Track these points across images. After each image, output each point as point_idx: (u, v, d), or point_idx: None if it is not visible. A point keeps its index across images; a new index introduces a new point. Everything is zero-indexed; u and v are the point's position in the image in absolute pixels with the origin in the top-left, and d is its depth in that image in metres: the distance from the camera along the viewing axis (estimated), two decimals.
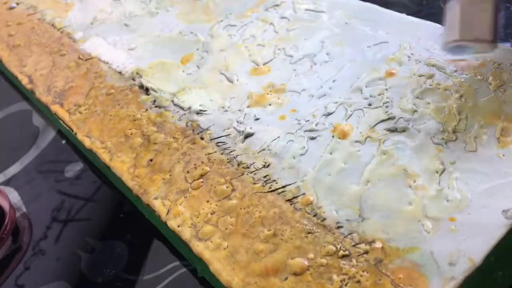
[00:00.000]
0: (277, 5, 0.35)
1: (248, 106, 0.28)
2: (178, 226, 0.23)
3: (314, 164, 0.24)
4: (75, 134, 0.31)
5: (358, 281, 0.19)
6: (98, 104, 0.32)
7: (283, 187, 0.23)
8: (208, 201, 0.24)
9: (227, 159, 0.26)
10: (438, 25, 0.28)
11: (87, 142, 0.30)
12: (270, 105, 0.28)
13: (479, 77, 0.24)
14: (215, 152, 0.26)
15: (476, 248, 0.18)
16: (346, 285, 0.19)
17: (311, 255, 0.20)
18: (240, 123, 0.27)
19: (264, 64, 0.31)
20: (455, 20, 0.21)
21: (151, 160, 0.27)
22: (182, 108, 0.30)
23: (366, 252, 0.20)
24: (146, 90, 0.32)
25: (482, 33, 0.20)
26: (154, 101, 0.31)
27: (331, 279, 0.19)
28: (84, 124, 0.31)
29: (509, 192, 0.19)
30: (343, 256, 0.20)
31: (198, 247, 0.22)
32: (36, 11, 0.46)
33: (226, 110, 0.28)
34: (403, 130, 0.24)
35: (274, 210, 0.22)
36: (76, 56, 0.38)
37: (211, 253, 0.22)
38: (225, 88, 0.30)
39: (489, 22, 0.20)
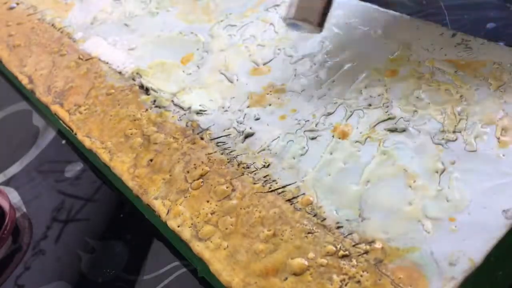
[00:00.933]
0: (277, 5, 0.35)
1: (248, 106, 0.28)
2: (178, 226, 0.23)
3: (314, 164, 0.24)
4: (75, 134, 0.31)
5: (358, 281, 0.19)
6: (98, 104, 0.32)
7: (283, 187, 0.23)
8: (208, 201, 0.24)
9: (227, 159, 0.26)
10: (438, 25, 0.28)
11: (87, 142, 0.30)
12: (270, 105, 0.28)
13: (479, 77, 0.24)
14: (215, 152, 0.26)
15: (476, 248, 0.18)
16: (346, 285, 0.19)
17: (311, 255, 0.20)
18: (240, 123, 0.27)
19: (264, 64, 0.31)
20: (294, 0, 0.25)
21: (151, 160, 0.27)
22: (182, 108, 0.30)
23: (366, 252, 0.20)
24: (146, 90, 0.32)
25: (311, 16, 0.25)
26: (154, 101, 0.31)
27: (331, 279, 0.19)
28: (84, 124, 0.31)
29: (509, 192, 0.19)
30: (343, 256, 0.20)
31: (198, 247, 0.22)
32: (36, 11, 0.46)
33: (226, 110, 0.28)
34: (403, 130, 0.24)
35: (274, 210, 0.22)
36: (76, 56, 0.38)
37: (211, 253, 0.22)
38: (225, 88, 0.30)
39: (319, 8, 0.24)
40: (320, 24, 0.25)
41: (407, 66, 0.27)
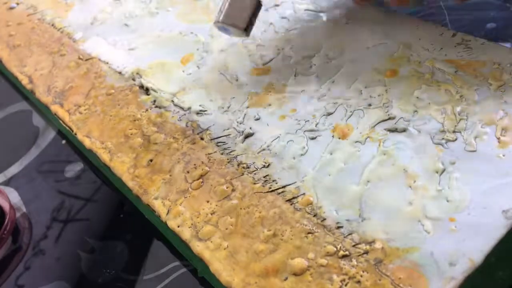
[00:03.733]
0: (277, 5, 0.35)
1: (248, 106, 0.28)
2: (178, 226, 0.23)
3: (314, 164, 0.24)
4: (75, 134, 0.31)
5: (358, 281, 0.19)
6: (98, 104, 0.32)
7: (283, 187, 0.23)
8: (208, 201, 0.24)
9: (227, 159, 0.26)
10: (438, 25, 0.28)
11: (87, 142, 0.30)
12: (270, 105, 0.28)
13: (479, 77, 0.24)
14: (215, 152, 0.26)
15: (476, 248, 0.18)
16: (346, 285, 0.19)
17: (311, 255, 0.20)
18: (240, 123, 0.27)
19: (264, 64, 0.31)
20: (224, 5, 0.26)
21: (151, 160, 0.27)
22: (182, 108, 0.30)
23: (366, 252, 0.20)
24: (146, 90, 0.32)
25: (238, 21, 0.26)
26: (154, 101, 0.31)
27: (331, 279, 0.19)
28: (84, 124, 0.31)
29: (509, 192, 0.19)
30: (343, 256, 0.20)
31: (198, 247, 0.22)
32: (36, 11, 0.46)
33: (226, 110, 0.28)
34: (403, 130, 0.24)
35: (274, 210, 0.22)
36: (76, 56, 0.38)
37: (211, 253, 0.22)
38: (225, 88, 0.30)
39: (246, 14, 0.26)
40: (246, 29, 0.27)
41: (407, 66, 0.27)
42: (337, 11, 0.32)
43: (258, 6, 0.27)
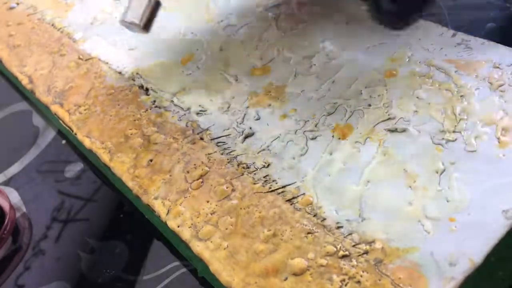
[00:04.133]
0: (278, 5, 0.35)
1: (248, 106, 0.28)
2: (178, 226, 0.23)
3: (314, 164, 0.24)
4: (75, 134, 0.31)
5: (358, 281, 0.19)
6: (98, 104, 0.32)
7: (283, 187, 0.23)
8: (208, 201, 0.24)
9: (227, 159, 0.26)
10: (438, 25, 0.28)
11: (87, 142, 0.30)
12: (270, 105, 0.28)
13: (479, 77, 0.24)
14: (215, 152, 0.26)
15: (476, 249, 0.18)
16: (346, 285, 0.19)
17: (311, 255, 0.20)
18: (240, 123, 0.27)
19: (264, 64, 0.31)
20: (127, 5, 0.29)
21: (151, 160, 0.27)
22: (182, 108, 0.30)
23: (366, 252, 0.20)
24: (146, 90, 0.32)
25: (139, 20, 0.29)
26: (154, 101, 0.31)
27: (331, 279, 0.19)
28: (84, 124, 0.31)
29: (509, 192, 0.19)
30: (343, 256, 0.20)
31: (198, 247, 0.22)
32: (36, 11, 0.46)
33: (226, 110, 0.28)
34: (403, 130, 0.24)
35: (274, 210, 0.22)
36: (76, 56, 0.38)
37: (211, 253, 0.22)
38: (225, 88, 0.30)
39: (146, 13, 0.29)
40: (146, 27, 0.30)
41: (407, 66, 0.27)
42: (338, 11, 0.32)
43: (156, 4, 0.30)
